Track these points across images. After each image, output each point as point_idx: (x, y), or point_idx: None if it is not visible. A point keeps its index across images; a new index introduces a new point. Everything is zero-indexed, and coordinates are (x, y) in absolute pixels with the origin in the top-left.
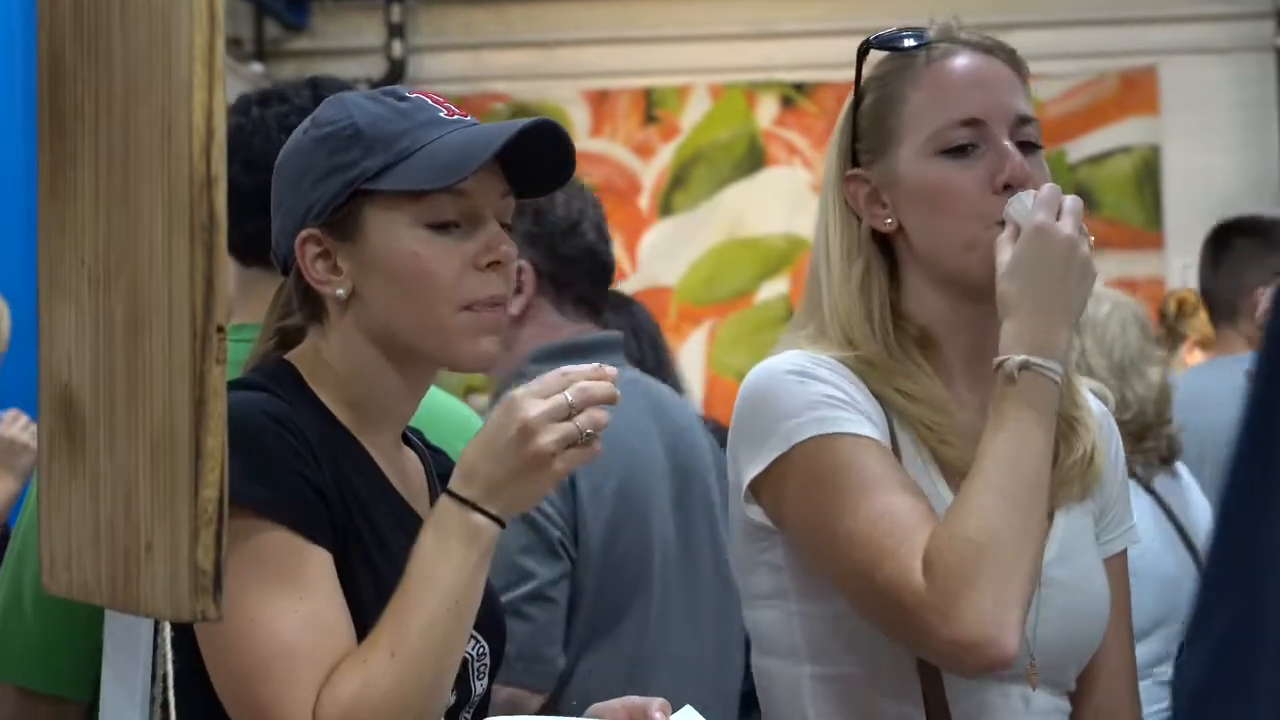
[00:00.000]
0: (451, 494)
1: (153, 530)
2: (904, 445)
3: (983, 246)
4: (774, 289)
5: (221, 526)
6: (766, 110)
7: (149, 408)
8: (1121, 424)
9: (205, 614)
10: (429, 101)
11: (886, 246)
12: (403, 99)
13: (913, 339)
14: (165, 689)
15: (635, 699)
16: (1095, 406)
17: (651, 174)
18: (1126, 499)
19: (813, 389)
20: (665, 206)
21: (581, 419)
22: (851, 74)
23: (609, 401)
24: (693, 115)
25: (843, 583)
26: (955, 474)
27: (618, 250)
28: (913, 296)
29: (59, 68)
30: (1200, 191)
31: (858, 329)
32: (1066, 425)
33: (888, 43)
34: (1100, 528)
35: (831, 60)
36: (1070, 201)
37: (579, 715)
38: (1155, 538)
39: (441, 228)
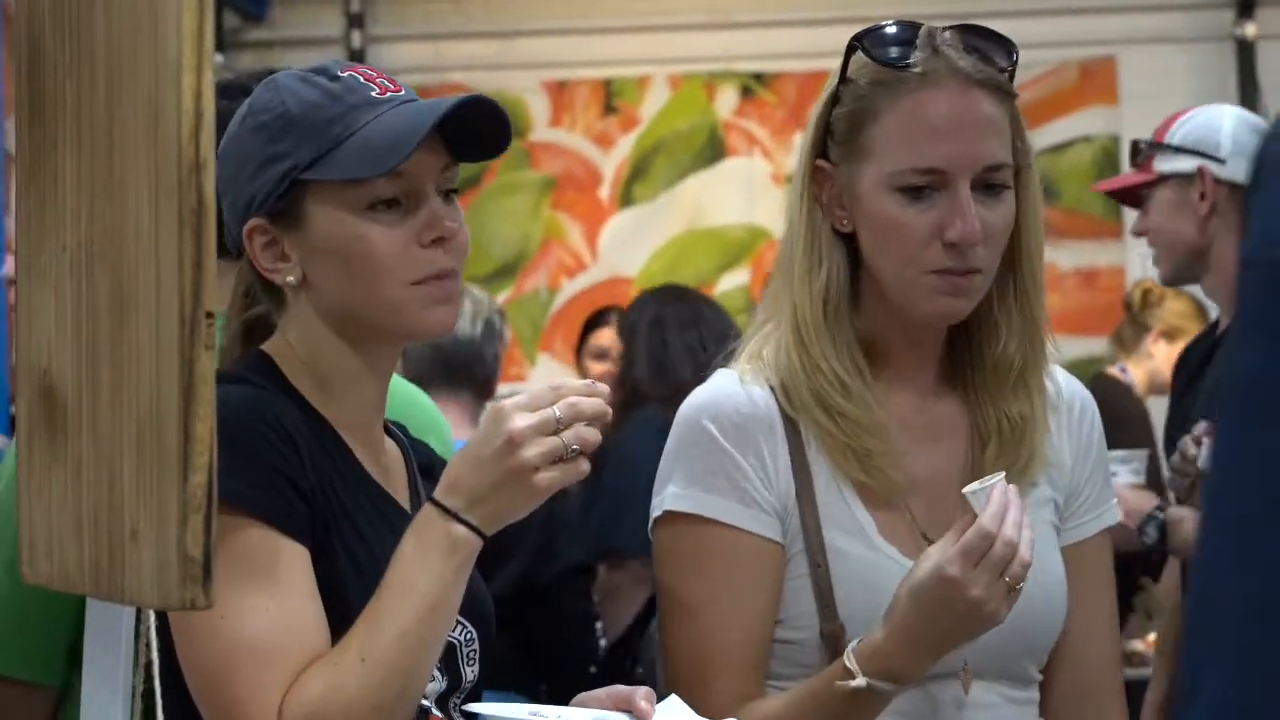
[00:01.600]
0: (435, 503)
1: (138, 517)
2: (817, 466)
3: (921, 289)
4: (734, 280)
5: (210, 512)
6: (726, 101)
7: (135, 393)
8: None
9: (195, 602)
10: (360, 80)
11: (847, 238)
12: (335, 78)
13: (860, 340)
14: (150, 678)
15: (620, 687)
16: (1066, 389)
17: (611, 165)
18: (1104, 480)
19: (708, 459)
20: (625, 197)
21: (568, 435)
22: (812, 65)
23: (599, 418)
24: (652, 106)
25: (663, 665)
26: (871, 492)
27: (579, 241)
28: (865, 297)
29: (37, 54)
30: None
31: (813, 332)
32: (1009, 426)
33: (876, 52)
34: (1066, 513)
35: (791, 50)
36: (999, 549)
37: None
38: None
39: (383, 205)
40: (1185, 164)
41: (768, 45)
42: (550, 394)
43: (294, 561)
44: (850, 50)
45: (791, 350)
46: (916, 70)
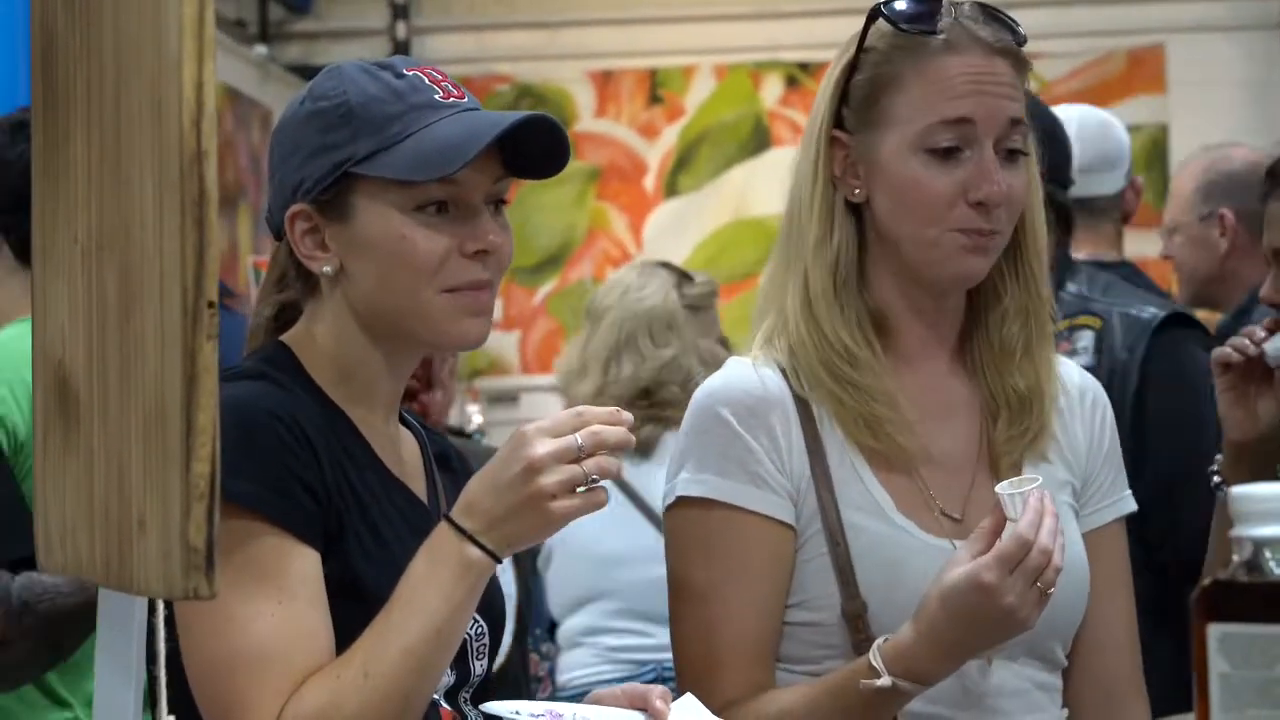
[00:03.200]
0: (451, 522)
1: (145, 507)
2: (830, 444)
3: (944, 248)
4: None
5: (213, 502)
6: (771, 90)
7: (141, 383)
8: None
9: (198, 592)
10: (426, 80)
11: (855, 211)
12: (400, 75)
13: (870, 315)
14: (159, 667)
15: (636, 685)
16: (1078, 380)
17: (656, 155)
18: (1117, 469)
19: (720, 443)
20: (670, 187)
21: (589, 464)
22: None
23: (622, 447)
24: (697, 96)
25: (672, 650)
26: (886, 464)
27: (624, 231)
28: (874, 271)
29: (52, 42)
30: None
31: (824, 303)
32: (1017, 399)
33: (898, 20)
34: (1084, 499)
35: (836, 40)
36: (1035, 557)
37: None
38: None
39: (431, 208)
40: None
41: (813, 35)
42: (573, 420)
43: (304, 567)
44: (870, 20)
45: (801, 324)
46: (941, 36)
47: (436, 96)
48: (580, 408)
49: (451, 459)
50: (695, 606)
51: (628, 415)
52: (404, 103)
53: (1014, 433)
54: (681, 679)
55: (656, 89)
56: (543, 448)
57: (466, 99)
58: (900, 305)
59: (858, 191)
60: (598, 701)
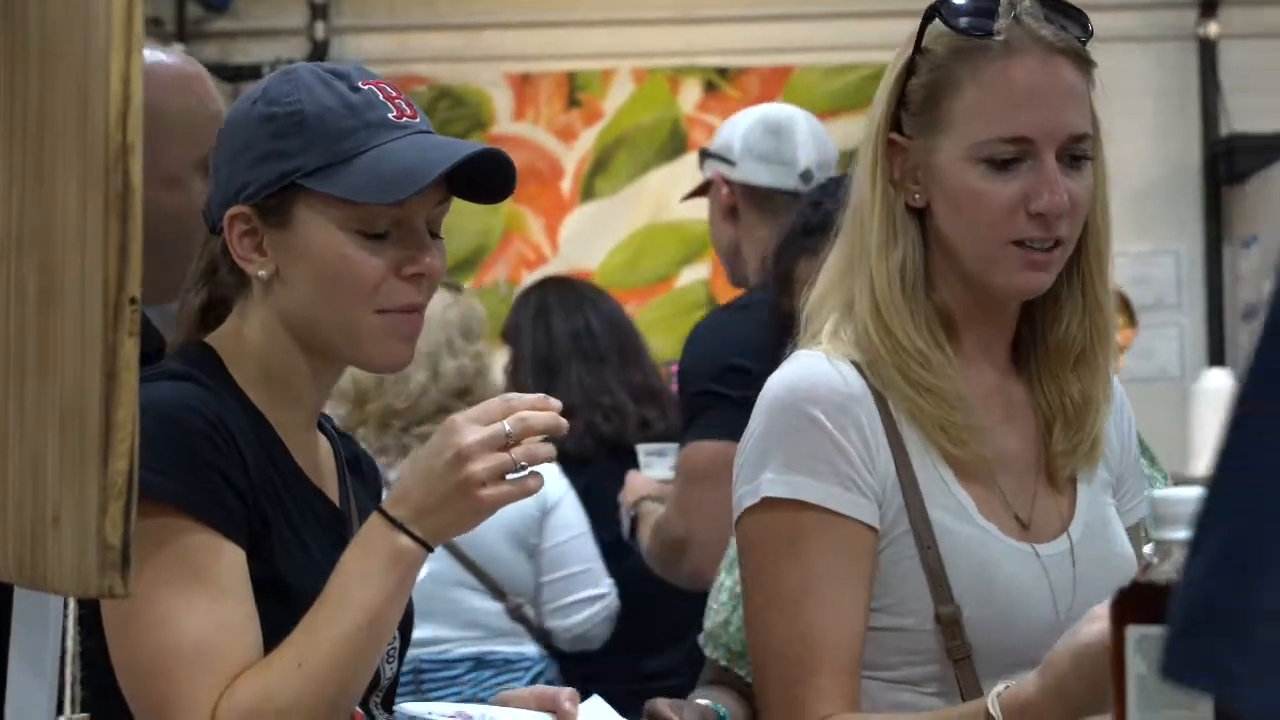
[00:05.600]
0: (382, 513)
1: (60, 503)
2: (910, 443)
3: (1004, 262)
4: (695, 274)
5: (130, 500)
6: (689, 95)
7: (59, 379)
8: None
9: (113, 590)
10: (380, 96)
11: (918, 214)
12: (355, 89)
13: (938, 315)
14: (69, 666)
15: (545, 688)
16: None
17: (574, 158)
18: (1139, 471)
19: (810, 443)
20: (587, 190)
21: (518, 451)
22: (775, 60)
23: (551, 432)
24: (616, 99)
25: (754, 662)
26: (964, 468)
27: (539, 234)
28: (938, 273)
29: None
30: (1121, 179)
31: (893, 308)
32: (1072, 408)
33: (957, 21)
34: (1119, 498)
35: (755, 45)
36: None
37: None
38: None
39: (372, 234)
40: (709, 169)
41: (731, 40)
42: (502, 407)
43: (232, 565)
44: (926, 19)
45: (872, 329)
46: (999, 39)
47: (390, 115)
48: (508, 395)
49: (362, 463)
50: (783, 611)
51: (555, 401)
52: (358, 118)
53: (1068, 445)
54: (767, 690)
55: (575, 92)
56: (472, 435)
57: (419, 119)
58: (964, 307)
59: (918, 197)
60: (505, 703)
